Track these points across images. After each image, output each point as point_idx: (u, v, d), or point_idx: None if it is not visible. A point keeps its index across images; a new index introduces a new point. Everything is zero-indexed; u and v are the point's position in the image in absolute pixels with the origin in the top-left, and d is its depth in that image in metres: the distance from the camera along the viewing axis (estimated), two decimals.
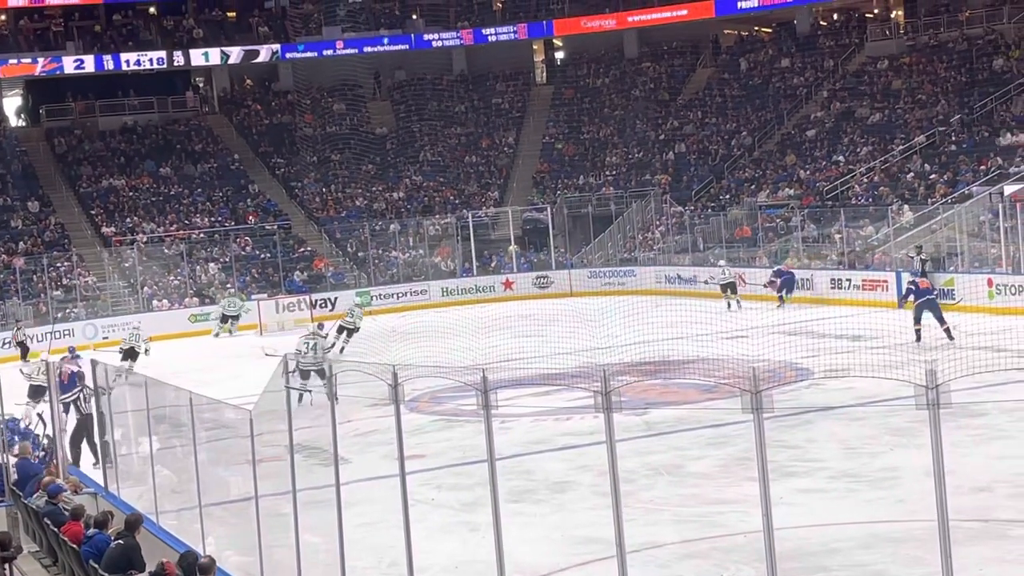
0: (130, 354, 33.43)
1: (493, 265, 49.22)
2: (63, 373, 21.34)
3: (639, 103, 57.50)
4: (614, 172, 53.77)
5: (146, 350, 33.97)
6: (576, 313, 34.58)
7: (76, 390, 21.62)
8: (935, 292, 29.86)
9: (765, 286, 38.55)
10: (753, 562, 11.87)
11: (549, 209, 50.79)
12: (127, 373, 28.78)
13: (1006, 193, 36.82)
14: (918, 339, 27.63)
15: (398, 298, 44.87)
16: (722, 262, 41.01)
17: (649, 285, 42.93)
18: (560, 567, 13.60)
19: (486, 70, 61.19)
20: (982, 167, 39.95)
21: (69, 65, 54.06)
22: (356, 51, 57.75)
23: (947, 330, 27.23)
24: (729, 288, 39.02)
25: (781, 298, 37.27)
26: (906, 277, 32.48)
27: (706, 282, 41.30)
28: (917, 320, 27.88)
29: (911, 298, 28.78)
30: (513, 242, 49.52)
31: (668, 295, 40.76)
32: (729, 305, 37.83)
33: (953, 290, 33.80)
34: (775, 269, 39.03)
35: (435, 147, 57.31)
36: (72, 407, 21.51)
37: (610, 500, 9.72)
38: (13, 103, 57.92)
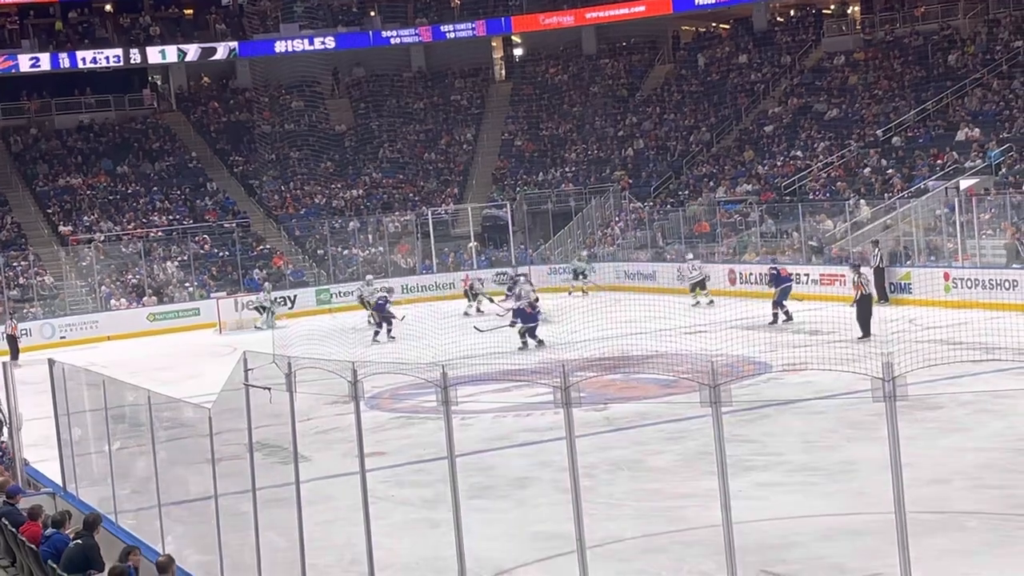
0: (260, 310, 40.27)
1: (452, 262, 49.20)
2: None
3: (598, 99, 57.60)
4: (573, 168, 53.86)
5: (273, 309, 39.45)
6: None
7: None
8: (792, 279, 33.07)
9: (768, 284, 34.02)
10: (713, 556, 11.93)
11: (509, 206, 50.81)
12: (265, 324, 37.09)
13: (962, 188, 37.09)
14: (775, 321, 31.17)
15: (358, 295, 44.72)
16: (690, 256, 40.41)
17: (609, 281, 43.04)
18: (521, 563, 13.62)
19: (445, 67, 61.14)
20: (938, 162, 40.22)
21: (25, 63, 53.67)
22: (312, 46, 57.55)
23: (775, 315, 31.20)
24: (698, 285, 38.46)
25: (775, 315, 31.82)
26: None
27: (680, 277, 40.31)
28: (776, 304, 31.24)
29: (773, 285, 31.80)
30: (473, 239, 49.52)
31: (628, 291, 40.82)
32: (698, 303, 37.33)
33: (910, 284, 34.03)
34: (771, 267, 34.91)
35: (394, 144, 57.23)
36: None
37: (571, 495, 9.74)
38: None
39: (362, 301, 39.14)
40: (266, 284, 43.13)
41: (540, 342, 30.23)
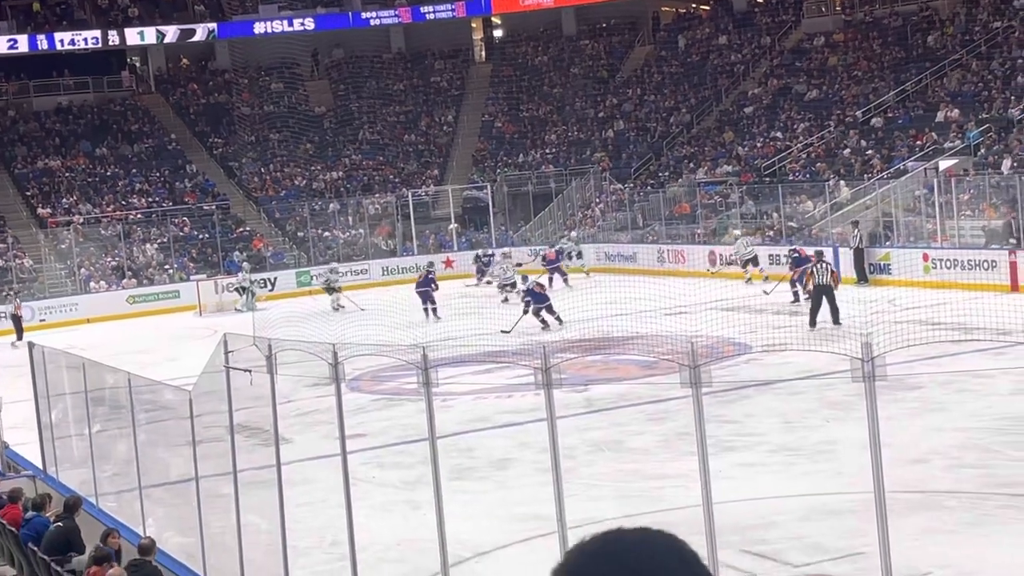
0: (240, 291, 40.21)
1: (433, 244, 49.17)
2: None
3: (578, 81, 57.56)
4: (553, 150, 53.84)
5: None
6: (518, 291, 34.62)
7: None
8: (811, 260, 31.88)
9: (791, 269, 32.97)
10: (693, 536, 11.97)
11: (489, 187, 50.77)
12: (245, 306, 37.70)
13: (941, 168, 37.19)
14: (796, 300, 30.95)
15: (338, 277, 44.63)
16: (738, 232, 38.86)
17: (589, 263, 43.08)
18: (502, 544, 13.66)
19: (424, 48, 61.00)
20: (917, 143, 40.31)
21: (2, 45, 53.37)
22: (291, 27, 57.39)
23: (795, 293, 31.00)
24: (750, 263, 37.12)
25: (795, 293, 31.48)
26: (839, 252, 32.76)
27: (729, 261, 38.22)
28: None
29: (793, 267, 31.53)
30: (453, 220, 49.49)
31: (608, 272, 40.86)
32: (750, 279, 35.89)
33: (889, 264, 34.13)
34: (792, 248, 33.91)
35: (374, 126, 57.10)
36: None
37: (551, 476, 9.77)
38: None
39: (328, 288, 38.99)
40: (244, 264, 43.02)
41: (558, 319, 29.92)
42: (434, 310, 34.26)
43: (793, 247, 34.22)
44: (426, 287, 34.95)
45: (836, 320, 26.18)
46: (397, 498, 16.31)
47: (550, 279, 37.07)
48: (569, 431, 15.97)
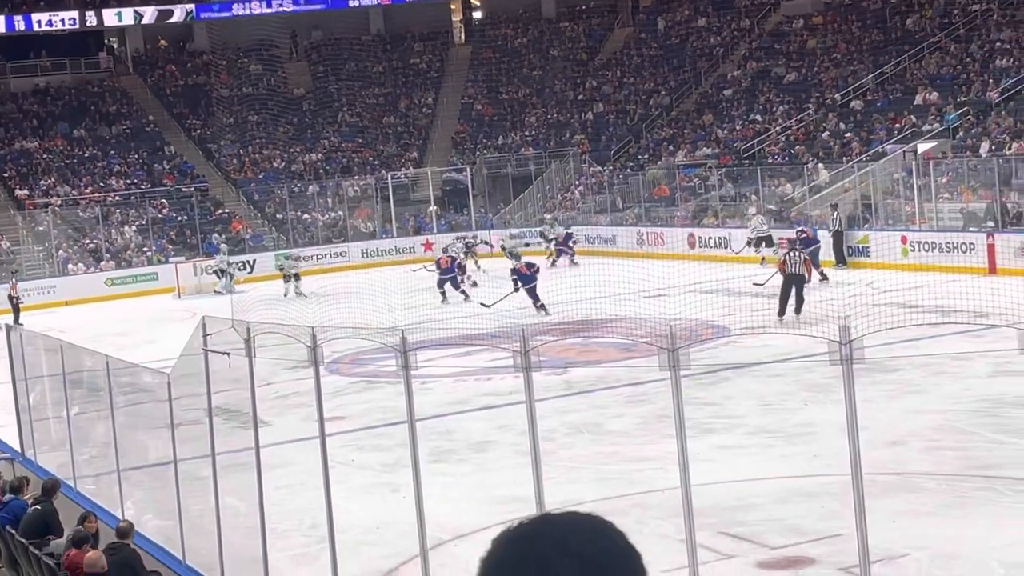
0: (219, 274, 40.29)
1: (412, 226, 49.12)
2: None
3: (557, 63, 57.51)
4: (533, 132, 53.81)
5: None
6: (495, 274, 34.64)
7: None
8: (819, 241, 32.50)
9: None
10: (672, 518, 12.01)
11: (469, 170, 50.72)
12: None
13: (919, 151, 37.26)
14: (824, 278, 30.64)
15: (317, 260, 44.62)
16: (752, 210, 38.01)
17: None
18: (481, 526, 13.66)
19: (404, 30, 60.84)
20: (896, 126, 40.37)
21: None
22: (270, 8, 57.15)
23: (822, 272, 30.68)
24: (764, 241, 36.35)
25: (823, 272, 31.24)
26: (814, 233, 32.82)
27: (750, 244, 36.96)
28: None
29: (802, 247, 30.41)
30: (433, 203, 49.43)
31: (588, 255, 40.88)
32: (764, 261, 34.73)
33: (868, 247, 34.22)
34: (799, 230, 33.08)
35: (353, 108, 56.97)
36: None
37: (530, 459, 9.78)
38: None
39: (285, 275, 38.50)
40: (222, 246, 42.87)
41: (542, 305, 29.38)
42: (463, 292, 33.70)
43: (801, 228, 33.46)
44: (451, 273, 34.21)
45: (798, 311, 25.84)
46: (376, 481, 16.30)
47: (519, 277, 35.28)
48: (548, 414, 16.00)
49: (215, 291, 40.24)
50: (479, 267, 38.43)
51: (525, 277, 30.41)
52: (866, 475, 8.48)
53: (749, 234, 37.54)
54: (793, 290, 26.41)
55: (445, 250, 35.32)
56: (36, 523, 12.74)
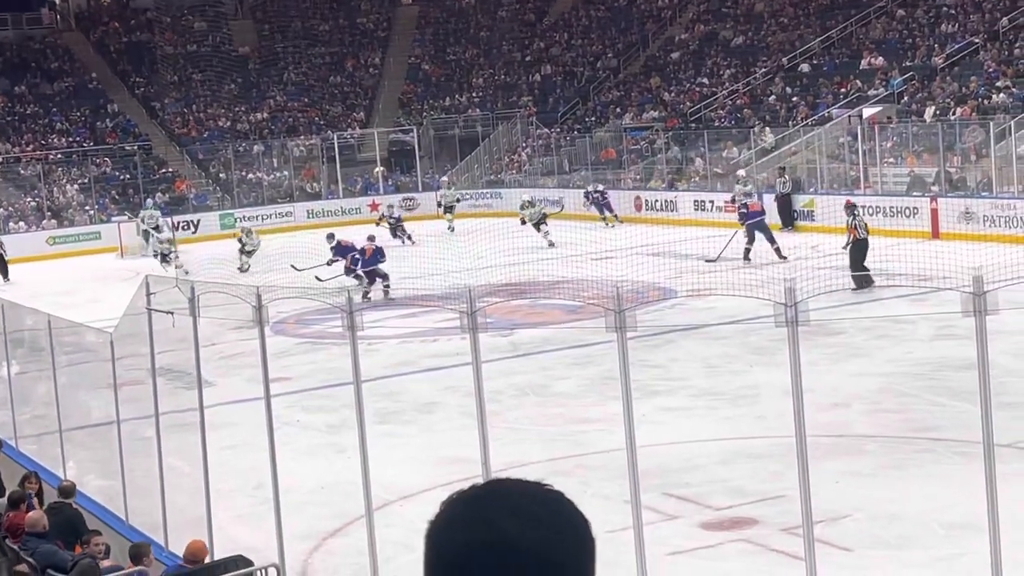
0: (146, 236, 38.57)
1: (359, 187, 48.90)
2: None
3: (505, 24, 57.30)
4: (480, 94, 53.63)
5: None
6: (443, 235, 34.55)
7: None
8: (764, 214, 30.49)
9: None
10: (617, 479, 12.05)
11: (415, 131, 50.53)
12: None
13: (865, 116, 37.46)
14: (747, 258, 28.55)
15: (263, 220, 44.32)
16: (741, 173, 36.64)
17: (516, 207, 42.96)
18: (426, 487, 13.67)
19: None
20: (842, 90, 40.54)
21: None
22: None
23: (777, 250, 28.80)
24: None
25: (779, 251, 29.08)
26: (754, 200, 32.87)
27: (732, 201, 35.02)
28: (750, 240, 28.98)
29: (741, 220, 29.76)
30: (379, 164, 49.21)
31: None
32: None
33: (813, 211, 34.40)
34: (739, 205, 31.43)
35: (299, 67, 56.53)
36: None
37: (476, 420, 9.77)
38: None
39: (243, 248, 36.99)
40: (148, 201, 41.78)
41: (387, 288, 27.90)
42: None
43: (742, 202, 31.37)
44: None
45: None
46: (321, 441, 16.28)
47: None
48: (494, 375, 15.99)
49: (142, 255, 38.58)
50: (411, 239, 37.58)
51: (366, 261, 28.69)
52: (809, 437, 8.53)
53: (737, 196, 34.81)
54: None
55: (371, 238, 33.08)
56: None
